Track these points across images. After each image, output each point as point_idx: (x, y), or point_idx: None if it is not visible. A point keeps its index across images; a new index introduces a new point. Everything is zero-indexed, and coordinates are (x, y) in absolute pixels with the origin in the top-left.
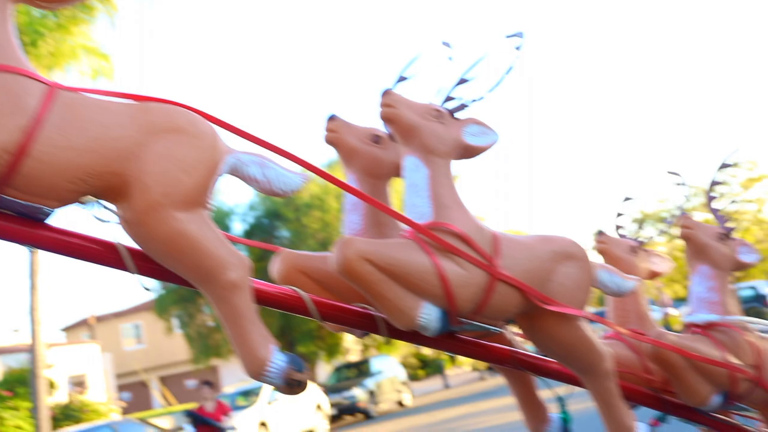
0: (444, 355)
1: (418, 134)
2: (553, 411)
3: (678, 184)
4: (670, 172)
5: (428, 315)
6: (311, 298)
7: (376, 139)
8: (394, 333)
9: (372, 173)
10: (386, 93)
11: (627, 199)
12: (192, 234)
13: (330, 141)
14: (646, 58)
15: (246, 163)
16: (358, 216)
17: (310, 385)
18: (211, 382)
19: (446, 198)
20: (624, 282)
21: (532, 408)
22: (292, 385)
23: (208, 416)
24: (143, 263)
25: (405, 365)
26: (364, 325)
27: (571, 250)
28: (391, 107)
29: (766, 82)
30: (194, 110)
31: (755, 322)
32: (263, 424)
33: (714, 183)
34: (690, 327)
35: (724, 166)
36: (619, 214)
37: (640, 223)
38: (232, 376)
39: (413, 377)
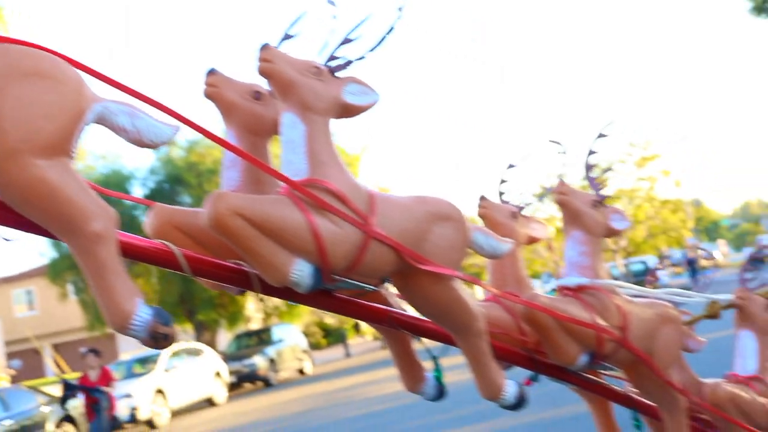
0: (347, 324)
1: (296, 90)
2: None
3: (559, 153)
4: (551, 141)
5: (301, 271)
6: (182, 252)
7: (257, 95)
8: (268, 289)
9: (251, 130)
10: (264, 48)
11: (511, 166)
12: (53, 182)
13: (209, 95)
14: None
15: (114, 113)
16: (237, 172)
17: (210, 353)
18: (96, 350)
19: (323, 155)
20: (499, 244)
21: (409, 367)
22: (157, 339)
23: (89, 385)
24: (1, 212)
25: (307, 334)
26: (238, 281)
27: (447, 211)
28: (268, 62)
29: (665, 64)
30: (60, 55)
31: (623, 286)
32: (160, 392)
33: (591, 152)
34: (562, 290)
35: (600, 136)
36: (503, 181)
37: (541, 197)
38: (129, 343)
39: (315, 346)
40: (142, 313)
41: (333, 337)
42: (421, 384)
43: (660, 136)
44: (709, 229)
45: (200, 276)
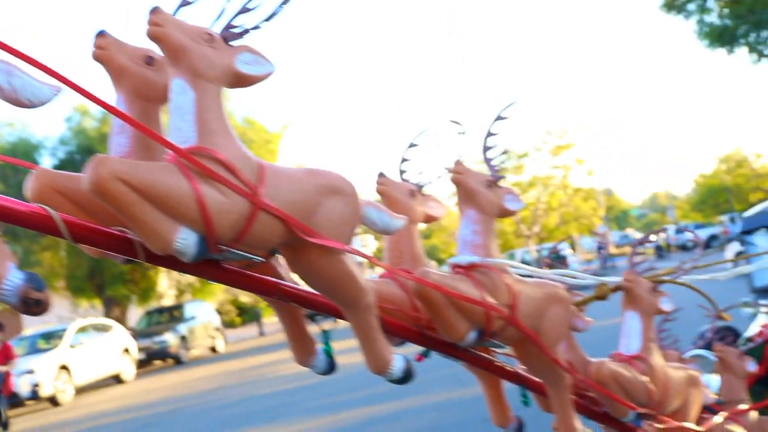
0: (262, 303)
1: (187, 56)
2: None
3: (459, 133)
4: (452, 122)
5: (185, 240)
6: (62, 217)
7: (149, 60)
8: (152, 258)
9: (142, 95)
10: (154, 11)
11: (412, 145)
12: None
13: (98, 58)
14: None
15: None
16: (126, 138)
17: (119, 329)
18: (1, 324)
19: (212, 124)
20: (392, 220)
21: (299, 341)
22: (29, 305)
23: None
24: None
25: (221, 312)
26: (121, 248)
27: (339, 184)
28: (158, 26)
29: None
30: None
31: (515, 266)
32: (64, 368)
33: (489, 134)
34: (454, 267)
35: (499, 118)
36: (404, 160)
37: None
38: (34, 318)
39: (229, 324)
40: (13, 277)
41: (247, 315)
42: (311, 358)
43: (575, 125)
44: (619, 218)
45: (81, 242)
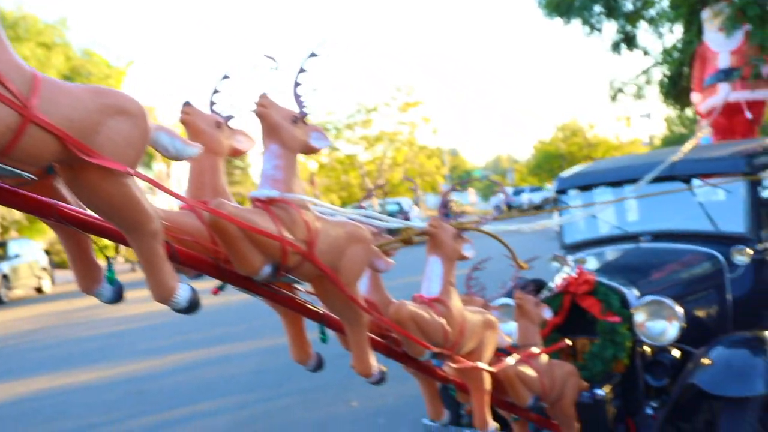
0: (95, 246)
1: None
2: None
3: (272, 69)
4: (266, 56)
5: None
6: None
7: None
8: None
9: None
10: None
11: (225, 77)
12: None
13: None
14: None
15: None
16: None
17: None
18: None
19: None
20: (185, 147)
21: (84, 267)
22: None
23: None
24: None
25: (51, 252)
26: None
27: (126, 105)
28: None
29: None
30: None
31: (317, 204)
32: None
33: (301, 70)
34: (254, 201)
35: (312, 55)
36: (216, 92)
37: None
38: None
39: (60, 264)
40: None
41: None
42: (96, 285)
43: (420, 80)
44: (462, 178)
45: None
